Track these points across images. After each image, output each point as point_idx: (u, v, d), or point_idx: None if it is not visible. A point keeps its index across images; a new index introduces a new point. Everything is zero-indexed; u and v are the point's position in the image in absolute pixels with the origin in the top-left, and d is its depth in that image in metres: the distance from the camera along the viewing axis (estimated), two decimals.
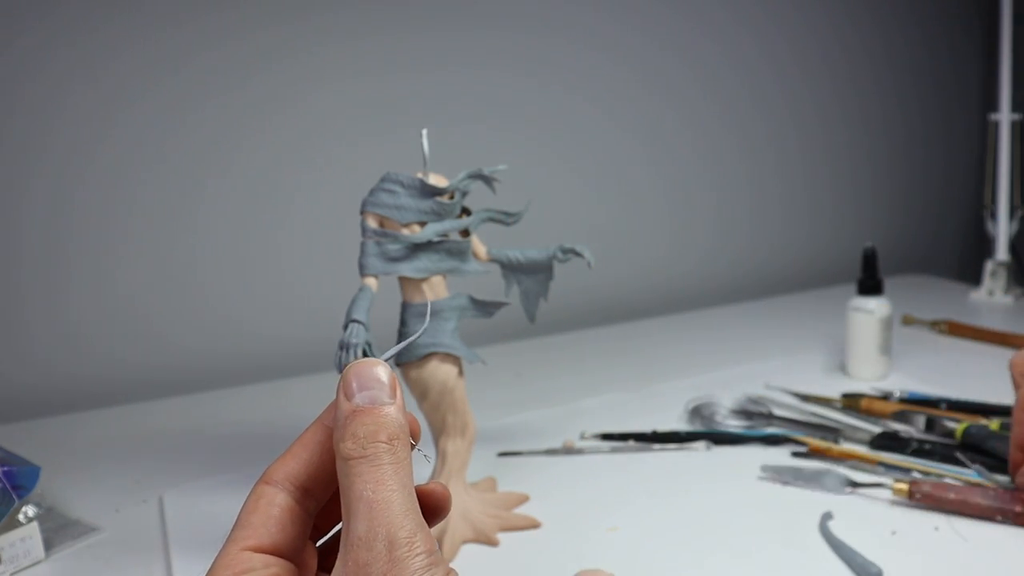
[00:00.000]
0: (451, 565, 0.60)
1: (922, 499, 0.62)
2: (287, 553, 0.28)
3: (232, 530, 0.28)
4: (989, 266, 1.24)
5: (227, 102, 1.00)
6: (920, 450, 0.71)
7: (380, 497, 0.26)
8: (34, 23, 0.90)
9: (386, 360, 0.29)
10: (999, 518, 0.60)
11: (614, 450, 0.76)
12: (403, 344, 0.31)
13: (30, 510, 0.63)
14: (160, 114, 0.98)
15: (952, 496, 0.61)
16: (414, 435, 0.29)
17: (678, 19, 1.24)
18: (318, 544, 0.31)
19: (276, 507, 0.29)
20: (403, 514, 0.26)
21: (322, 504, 0.30)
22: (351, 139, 1.06)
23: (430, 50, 1.08)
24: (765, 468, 0.69)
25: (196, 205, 1.01)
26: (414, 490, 0.27)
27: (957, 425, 0.73)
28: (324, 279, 1.03)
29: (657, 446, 0.76)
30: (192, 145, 1.00)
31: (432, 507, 0.30)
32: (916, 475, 0.67)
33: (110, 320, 0.99)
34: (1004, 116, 1.25)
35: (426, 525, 0.26)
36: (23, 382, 0.96)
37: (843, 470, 0.69)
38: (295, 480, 0.29)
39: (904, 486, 0.63)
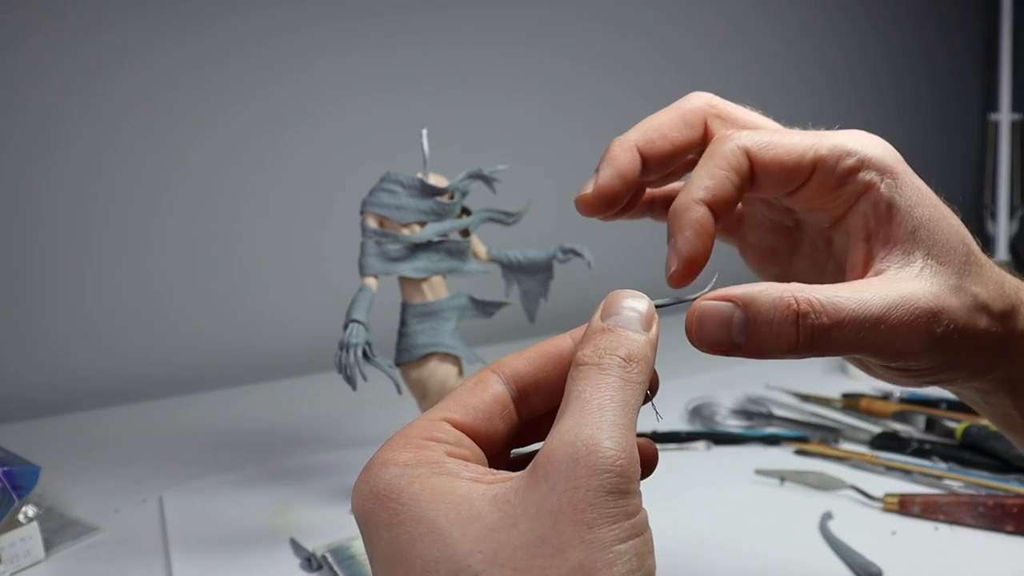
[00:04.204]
0: None
1: (913, 515, 0.62)
2: (483, 442, 0.28)
3: (441, 401, 0.28)
4: None
5: (246, 107, 1.01)
6: (920, 450, 0.71)
7: (596, 401, 0.25)
8: (71, 14, 0.92)
9: (657, 306, 0.29)
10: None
11: None
12: (676, 301, 0.31)
13: (30, 510, 0.63)
14: (183, 113, 0.98)
15: (942, 517, 0.61)
16: (653, 387, 0.28)
17: (672, 22, 1.24)
18: (512, 453, 0.31)
19: (490, 393, 0.28)
20: (614, 425, 0.24)
21: (536, 415, 0.29)
22: (366, 145, 1.06)
23: (442, 59, 1.09)
24: (765, 468, 0.69)
25: (211, 205, 1.02)
26: (636, 414, 0.26)
27: (957, 425, 0.73)
28: (329, 279, 1.03)
29: (657, 446, 0.76)
30: (211, 145, 1.00)
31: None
32: (916, 476, 0.67)
33: (120, 317, 0.99)
34: (1004, 116, 1.25)
35: (636, 451, 0.24)
36: (31, 381, 0.96)
37: (843, 470, 0.69)
38: (518, 378, 0.29)
39: (895, 500, 0.62)
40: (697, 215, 0.30)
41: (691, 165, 0.36)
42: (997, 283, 0.33)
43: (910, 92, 1.46)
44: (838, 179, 0.32)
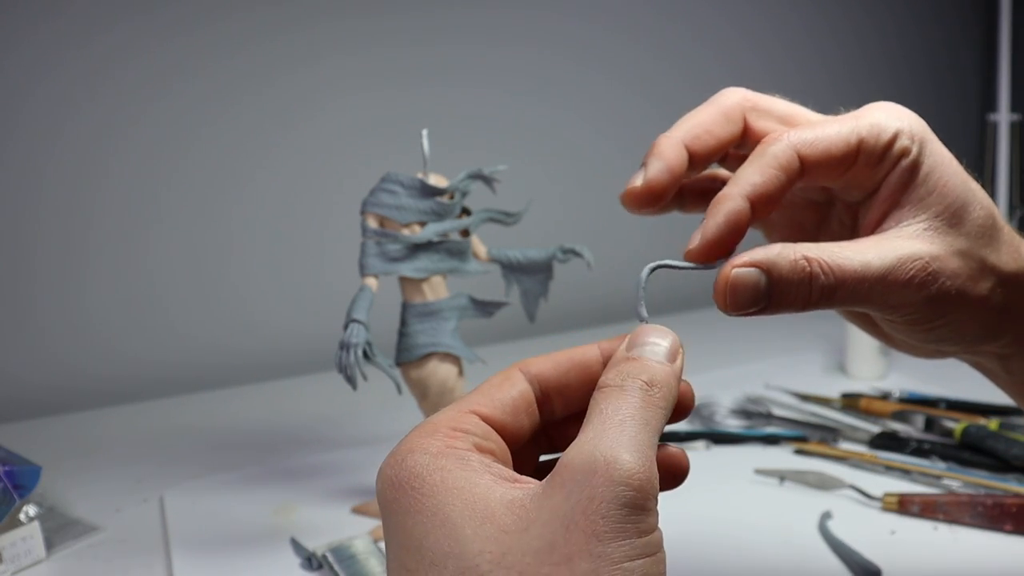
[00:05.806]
0: None
1: (913, 515, 0.62)
2: (508, 437, 0.28)
3: (468, 394, 0.28)
4: None
5: (245, 106, 1.01)
6: (919, 450, 0.71)
7: (618, 417, 0.25)
8: (69, 11, 0.91)
9: (670, 267, 0.32)
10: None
11: None
12: (696, 267, 0.33)
13: (31, 509, 0.63)
14: (182, 113, 0.98)
15: (941, 516, 0.61)
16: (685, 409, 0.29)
17: (672, 22, 1.24)
18: (541, 459, 0.31)
19: (517, 390, 0.29)
20: (634, 442, 0.24)
21: (555, 418, 0.30)
22: (366, 145, 1.06)
23: (442, 59, 1.09)
24: (764, 468, 0.69)
25: (211, 205, 1.02)
26: (657, 436, 0.26)
27: (956, 425, 0.73)
28: (329, 279, 1.03)
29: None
30: (211, 145, 1.00)
31: (667, 470, 0.29)
32: (915, 476, 0.67)
33: (120, 318, 0.99)
34: (1003, 116, 1.25)
35: (656, 469, 0.24)
36: (31, 381, 0.96)
37: (842, 470, 0.69)
38: (542, 379, 0.29)
39: (894, 499, 0.63)
40: (735, 206, 0.31)
41: (725, 158, 0.38)
42: (1014, 247, 0.34)
43: (909, 92, 1.46)
44: (879, 155, 0.33)
